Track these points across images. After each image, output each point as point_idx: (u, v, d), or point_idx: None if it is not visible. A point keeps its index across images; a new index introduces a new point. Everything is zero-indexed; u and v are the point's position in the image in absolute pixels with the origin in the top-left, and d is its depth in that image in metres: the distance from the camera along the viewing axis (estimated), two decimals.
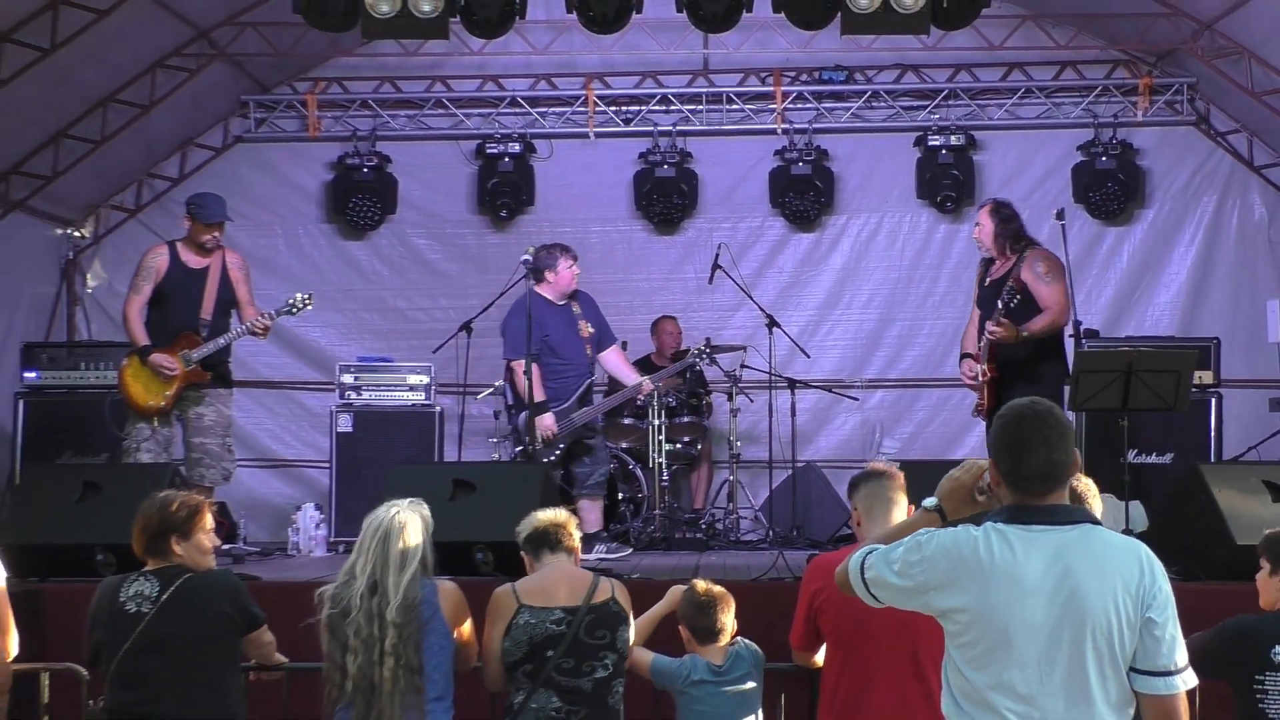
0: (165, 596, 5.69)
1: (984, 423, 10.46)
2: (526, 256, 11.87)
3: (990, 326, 10.12)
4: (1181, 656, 4.17)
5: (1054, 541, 4.13)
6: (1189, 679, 4.17)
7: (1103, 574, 4.11)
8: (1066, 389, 10.02)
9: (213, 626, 5.74)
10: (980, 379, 10.29)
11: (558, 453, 10.98)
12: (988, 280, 10.50)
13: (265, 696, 6.73)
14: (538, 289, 11.05)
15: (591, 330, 11.33)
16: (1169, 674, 4.14)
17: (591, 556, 10.40)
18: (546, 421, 10.84)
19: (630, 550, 11.11)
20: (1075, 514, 4.23)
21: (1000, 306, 10.09)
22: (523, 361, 10.76)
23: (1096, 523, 4.26)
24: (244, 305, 10.69)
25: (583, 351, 11.26)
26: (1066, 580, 4.08)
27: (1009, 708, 4.10)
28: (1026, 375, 10.07)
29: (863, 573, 4.34)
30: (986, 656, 4.12)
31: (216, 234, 10.53)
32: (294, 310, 10.76)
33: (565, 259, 11.21)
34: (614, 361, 11.55)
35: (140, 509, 5.92)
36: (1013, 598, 4.08)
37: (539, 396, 10.74)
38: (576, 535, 6.37)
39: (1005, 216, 10.45)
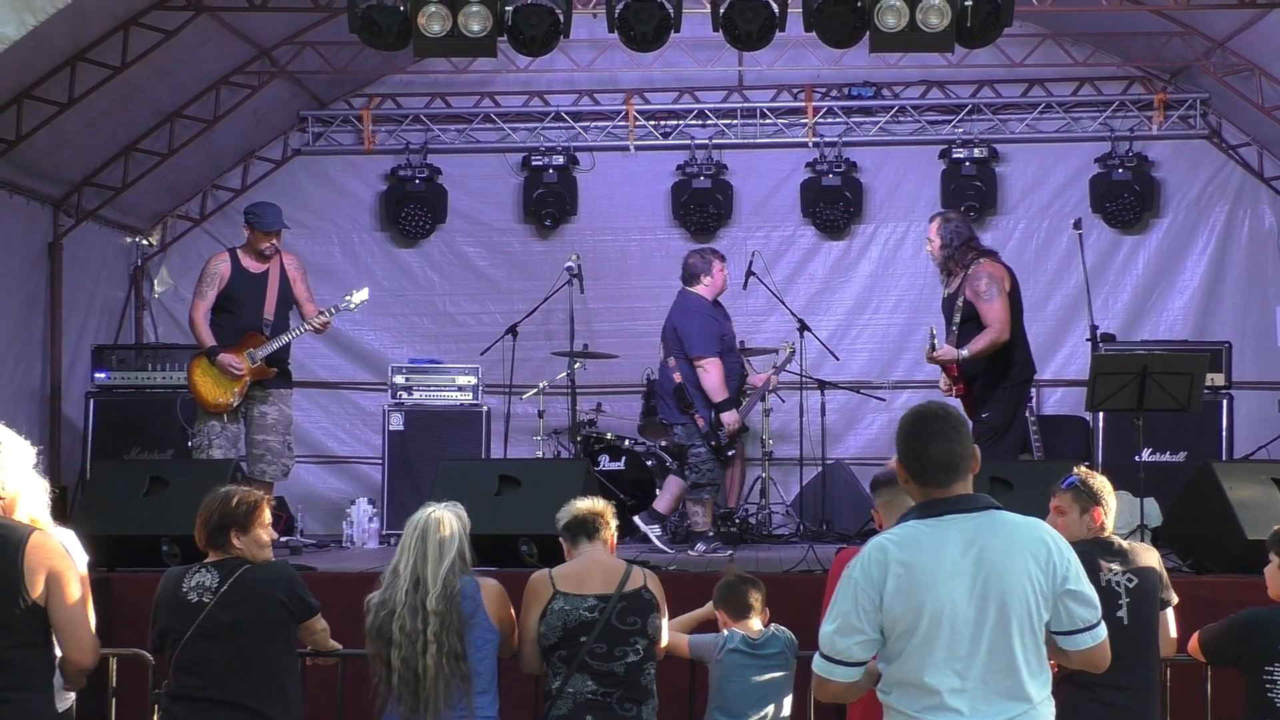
0: (224, 587, 5.70)
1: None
2: (570, 263, 11.90)
3: (927, 354, 10.03)
4: (1099, 608, 4.33)
5: (964, 528, 4.24)
6: (1105, 625, 4.36)
7: (1013, 552, 4.22)
8: (1032, 390, 10.25)
9: (269, 615, 5.74)
10: (953, 394, 10.16)
11: (735, 448, 11.10)
12: (944, 294, 10.32)
13: (321, 680, 6.73)
14: (695, 291, 11.09)
15: (734, 331, 11.40)
16: (1092, 627, 4.32)
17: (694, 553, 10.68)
18: (732, 418, 10.87)
19: (731, 550, 11.05)
20: (979, 501, 4.33)
21: (950, 327, 10.00)
22: (713, 359, 10.80)
23: (998, 507, 4.34)
24: (303, 302, 10.72)
25: (738, 354, 11.33)
26: (983, 562, 4.19)
27: (942, 685, 4.17)
28: (985, 387, 10.06)
29: (826, 657, 4.33)
30: (917, 643, 4.19)
31: (275, 241, 10.56)
32: (351, 306, 10.80)
33: (717, 261, 11.18)
34: None
35: (202, 503, 5.93)
36: (936, 584, 4.17)
37: (724, 394, 10.81)
38: (613, 524, 6.38)
39: (950, 232, 10.12)
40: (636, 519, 10.93)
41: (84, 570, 5.76)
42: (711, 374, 10.82)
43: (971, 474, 4.36)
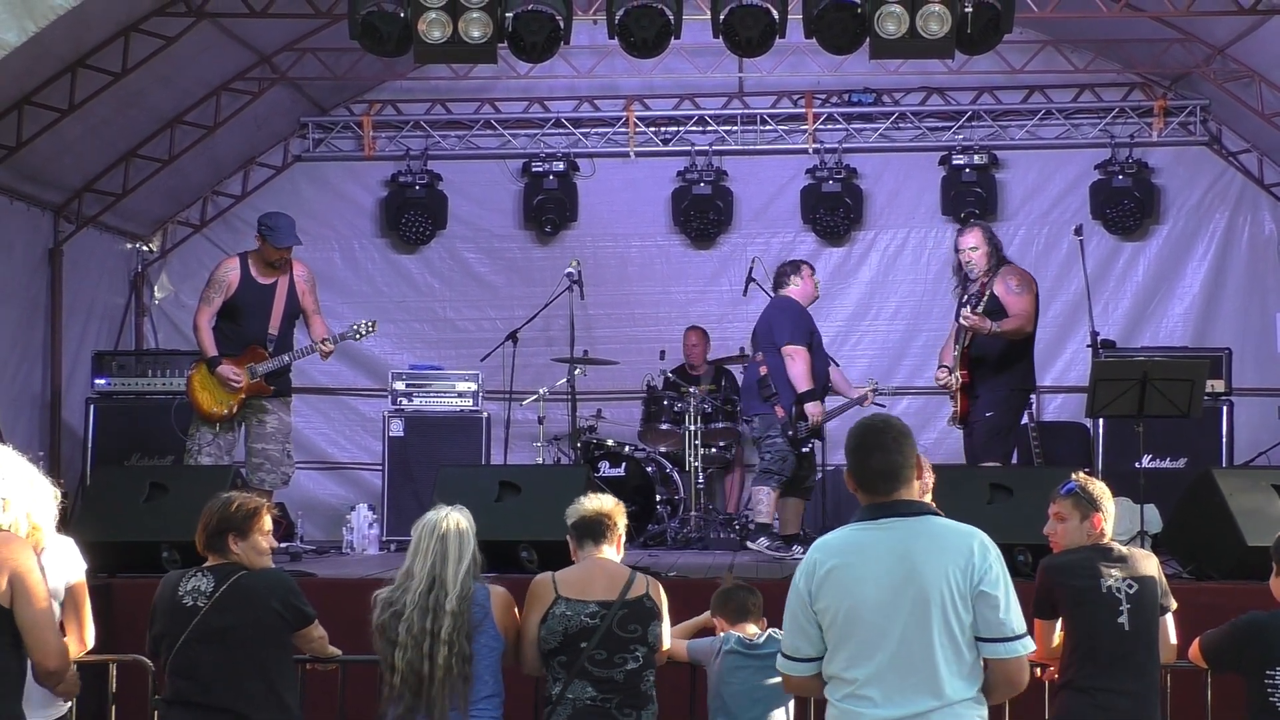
0: (219, 592, 5.68)
1: (962, 430, 10.72)
2: (570, 270, 11.90)
3: (965, 313, 10.32)
4: (1019, 625, 4.52)
5: (898, 529, 4.52)
6: (1029, 644, 4.57)
7: (937, 554, 4.48)
8: (1032, 397, 10.86)
9: (264, 622, 5.72)
10: (953, 386, 10.42)
11: (815, 441, 11.10)
12: (965, 296, 10.57)
13: (322, 686, 6.73)
14: (785, 293, 11.18)
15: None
16: (1009, 640, 4.50)
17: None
18: (815, 409, 10.88)
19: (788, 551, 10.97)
20: (917, 507, 4.60)
21: (971, 307, 10.30)
22: (800, 348, 10.85)
23: (936, 514, 4.61)
24: (311, 315, 10.67)
25: (825, 358, 11.31)
26: (905, 561, 4.46)
27: (856, 675, 4.46)
28: (991, 379, 10.34)
29: (783, 654, 4.72)
30: (837, 637, 4.50)
31: (286, 255, 10.51)
32: (358, 335, 10.77)
33: (805, 268, 11.32)
34: (836, 377, 11.56)
35: (203, 508, 5.93)
36: (856, 583, 4.47)
37: (808, 384, 10.83)
38: (621, 525, 6.35)
39: (995, 242, 10.65)
40: (749, 543, 11.00)
41: (82, 578, 5.76)
42: (798, 362, 10.84)
43: (916, 481, 4.65)
